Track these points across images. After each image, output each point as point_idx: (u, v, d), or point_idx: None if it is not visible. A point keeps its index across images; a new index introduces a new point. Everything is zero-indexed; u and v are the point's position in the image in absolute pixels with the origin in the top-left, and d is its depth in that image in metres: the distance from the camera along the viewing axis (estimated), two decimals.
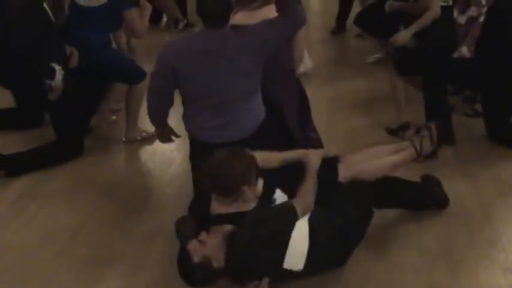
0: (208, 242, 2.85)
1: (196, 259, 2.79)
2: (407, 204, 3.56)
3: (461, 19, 5.25)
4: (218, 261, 2.83)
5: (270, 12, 3.48)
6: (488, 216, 3.61)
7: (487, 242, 3.38)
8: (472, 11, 5.16)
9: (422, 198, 3.61)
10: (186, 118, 3.42)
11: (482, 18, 4.98)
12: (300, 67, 3.83)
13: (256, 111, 3.35)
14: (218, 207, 3.03)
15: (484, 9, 5.00)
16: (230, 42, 3.19)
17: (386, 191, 3.39)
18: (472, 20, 5.16)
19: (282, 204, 3.06)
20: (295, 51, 3.63)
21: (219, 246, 2.87)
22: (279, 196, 3.13)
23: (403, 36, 4.62)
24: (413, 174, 3.70)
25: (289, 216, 2.96)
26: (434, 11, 4.53)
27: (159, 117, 3.54)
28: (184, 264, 2.84)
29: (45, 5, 4.11)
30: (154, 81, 3.35)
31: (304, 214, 3.01)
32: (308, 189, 3.10)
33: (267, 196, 3.09)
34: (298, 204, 2.99)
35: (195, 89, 3.27)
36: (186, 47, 3.25)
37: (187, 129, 3.46)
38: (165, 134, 3.68)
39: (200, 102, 3.30)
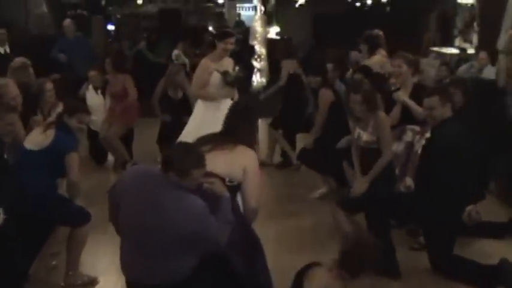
0: None
1: None
2: None
3: (399, 146, 5.35)
4: None
5: (220, 157, 3.51)
6: None
7: None
8: (408, 136, 5.33)
9: None
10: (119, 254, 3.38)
11: (418, 147, 5.15)
12: (253, 219, 3.72)
13: (188, 258, 3.23)
14: None
15: (418, 136, 5.20)
16: (160, 199, 3.16)
17: None
18: (410, 146, 5.30)
19: None
20: (246, 204, 3.59)
21: None
22: None
23: (361, 184, 4.84)
24: None
25: None
26: (386, 158, 4.77)
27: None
28: None
29: (5, 155, 4.15)
30: (109, 196, 3.43)
31: None
32: None
33: None
34: None
35: (124, 221, 3.27)
36: (133, 176, 3.36)
37: (121, 267, 3.40)
38: None
39: (129, 238, 3.27)
